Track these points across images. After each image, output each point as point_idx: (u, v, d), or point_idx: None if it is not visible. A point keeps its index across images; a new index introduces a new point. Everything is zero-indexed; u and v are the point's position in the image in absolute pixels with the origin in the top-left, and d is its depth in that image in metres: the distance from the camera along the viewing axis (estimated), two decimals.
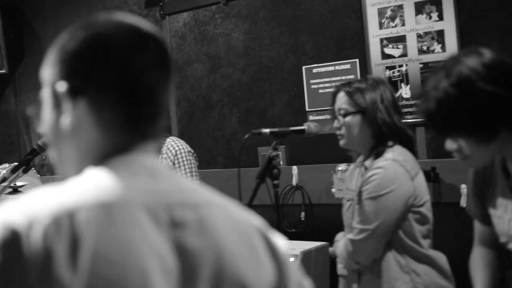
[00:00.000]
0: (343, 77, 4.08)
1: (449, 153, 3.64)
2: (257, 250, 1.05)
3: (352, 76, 4.04)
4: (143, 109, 1.09)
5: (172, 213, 1.02)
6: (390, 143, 2.81)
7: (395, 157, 2.76)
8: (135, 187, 1.03)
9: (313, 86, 4.24)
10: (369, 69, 3.97)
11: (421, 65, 3.81)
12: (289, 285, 1.05)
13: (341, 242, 2.88)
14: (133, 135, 1.10)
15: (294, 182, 4.25)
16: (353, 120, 2.83)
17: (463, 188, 3.62)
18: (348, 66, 4.08)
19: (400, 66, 3.88)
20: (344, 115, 2.84)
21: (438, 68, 1.74)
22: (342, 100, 2.87)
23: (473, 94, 1.62)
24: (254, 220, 1.11)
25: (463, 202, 3.61)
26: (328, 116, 4.15)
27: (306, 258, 3.78)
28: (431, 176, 3.72)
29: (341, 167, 3.95)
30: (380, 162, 2.76)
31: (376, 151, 2.81)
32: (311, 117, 4.16)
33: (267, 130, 2.79)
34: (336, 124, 2.89)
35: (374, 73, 3.91)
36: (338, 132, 2.89)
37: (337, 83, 4.07)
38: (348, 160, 3.98)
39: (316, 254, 3.86)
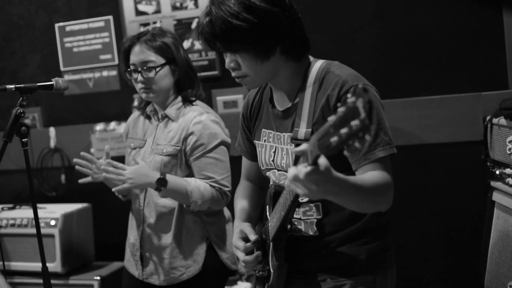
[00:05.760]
0: (97, 35, 4.00)
1: None
2: None
3: (106, 34, 3.98)
4: None
5: None
6: (191, 92, 2.78)
7: (210, 112, 2.76)
8: None
9: (67, 45, 4.10)
10: (123, 26, 3.92)
11: (174, 22, 3.84)
12: None
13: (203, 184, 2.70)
14: None
15: (52, 145, 4.12)
16: (164, 71, 2.71)
17: None
18: (102, 24, 4.00)
19: (154, 22, 3.87)
20: (153, 68, 2.68)
21: None
22: (144, 53, 2.69)
23: (253, 11, 1.82)
24: None
25: None
26: (84, 76, 4.08)
27: (68, 220, 3.71)
28: None
29: (99, 126, 3.89)
30: (196, 115, 2.71)
31: (184, 100, 2.77)
32: (66, 77, 4.02)
33: (12, 86, 2.60)
34: (140, 78, 2.69)
35: (128, 30, 3.87)
36: (141, 87, 2.71)
37: (92, 41, 4.03)
38: (105, 119, 3.95)
39: (78, 216, 3.81)
